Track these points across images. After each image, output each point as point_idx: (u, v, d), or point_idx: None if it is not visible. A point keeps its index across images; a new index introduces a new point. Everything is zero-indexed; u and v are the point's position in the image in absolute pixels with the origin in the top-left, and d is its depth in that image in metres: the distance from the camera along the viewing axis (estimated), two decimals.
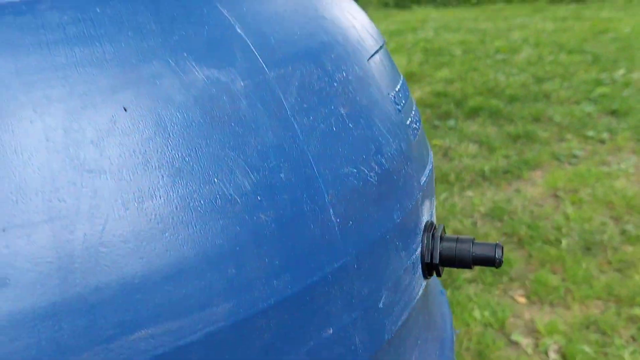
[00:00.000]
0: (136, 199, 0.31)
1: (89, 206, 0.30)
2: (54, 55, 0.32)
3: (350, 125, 0.40)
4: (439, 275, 0.46)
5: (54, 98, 0.31)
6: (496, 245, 0.45)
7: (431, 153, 0.51)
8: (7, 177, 0.29)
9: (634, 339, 1.45)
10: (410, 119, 0.48)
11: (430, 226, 0.47)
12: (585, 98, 3.11)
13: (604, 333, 1.46)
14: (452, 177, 2.36)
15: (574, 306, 1.58)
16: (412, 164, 0.45)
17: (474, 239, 0.45)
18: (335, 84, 0.40)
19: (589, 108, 2.96)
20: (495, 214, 2.02)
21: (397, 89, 0.48)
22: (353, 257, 0.37)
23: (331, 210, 0.37)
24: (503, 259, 0.45)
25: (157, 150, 0.32)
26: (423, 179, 0.47)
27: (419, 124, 0.50)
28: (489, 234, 1.89)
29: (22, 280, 0.29)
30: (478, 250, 0.45)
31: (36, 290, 0.29)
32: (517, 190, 2.33)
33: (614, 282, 1.64)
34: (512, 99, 3.17)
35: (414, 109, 0.50)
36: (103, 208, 0.30)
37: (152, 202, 0.31)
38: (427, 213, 0.47)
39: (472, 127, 2.79)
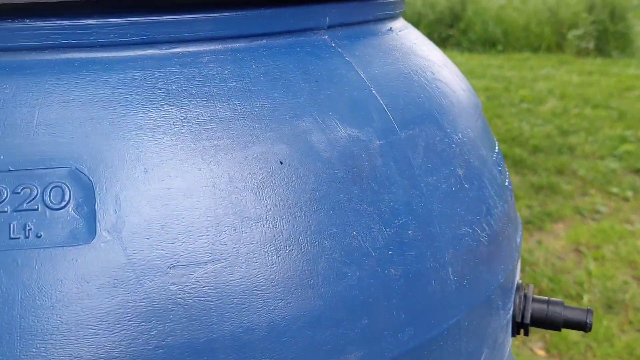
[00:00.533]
0: (287, 247, 0.33)
1: (247, 251, 0.32)
2: (219, 108, 0.34)
3: (466, 186, 0.42)
4: (526, 334, 0.48)
5: (220, 148, 0.33)
6: (588, 310, 0.46)
7: (519, 216, 0.53)
8: (178, 218, 0.31)
9: None
10: (507, 180, 0.50)
11: (521, 286, 0.48)
12: (609, 154, 3.12)
13: None
14: None
15: None
16: (512, 225, 0.47)
17: (563, 302, 0.47)
18: (453, 145, 0.42)
19: (613, 164, 2.97)
20: None
21: (496, 150, 0.50)
22: (465, 314, 0.39)
23: (450, 269, 0.39)
24: (593, 325, 0.46)
25: (307, 203, 0.34)
26: (518, 238, 0.49)
27: (512, 186, 0.52)
28: None
29: (185, 316, 0.31)
30: (569, 314, 0.46)
31: (196, 326, 0.31)
32: (539, 242, 2.34)
33: (635, 342, 1.64)
34: (536, 150, 3.19)
35: (507, 171, 0.52)
36: (259, 253, 0.32)
37: (300, 250, 0.33)
38: (519, 273, 0.49)
39: None
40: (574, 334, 1.69)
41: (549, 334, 1.69)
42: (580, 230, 2.30)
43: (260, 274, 0.32)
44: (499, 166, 0.49)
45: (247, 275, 0.32)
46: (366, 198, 0.36)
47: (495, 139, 0.52)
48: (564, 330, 1.53)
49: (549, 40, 6.18)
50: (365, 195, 0.36)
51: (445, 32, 6.33)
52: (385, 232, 0.36)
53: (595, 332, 1.69)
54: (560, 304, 0.47)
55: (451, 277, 0.39)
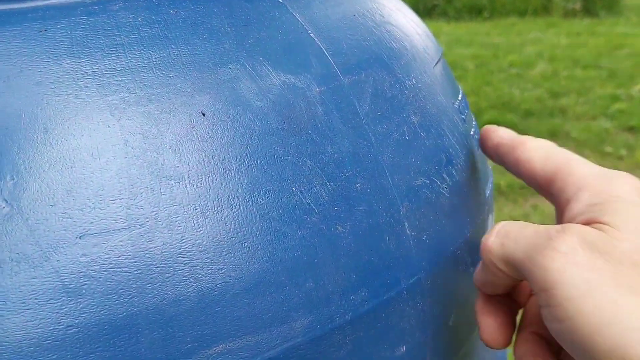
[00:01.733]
0: (215, 208, 0.30)
1: (168, 214, 0.29)
2: (130, 58, 0.31)
3: (422, 134, 0.38)
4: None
5: (131, 101, 0.30)
6: None
7: (490, 167, 0.50)
8: (85, 182, 0.28)
9: None
10: (473, 130, 0.46)
11: None
12: (602, 114, 3.09)
13: None
14: None
15: None
16: (478, 177, 0.44)
17: None
18: (406, 92, 0.39)
19: (606, 124, 2.95)
20: None
21: (459, 98, 0.46)
22: (427, 272, 0.36)
23: (406, 223, 0.35)
24: None
25: (236, 158, 0.31)
26: (487, 191, 0.46)
27: (479, 134, 0.49)
28: None
29: (99, 290, 0.27)
30: None
31: (113, 300, 0.27)
32: (534, 206, 2.31)
33: None
34: (528, 114, 3.16)
35: (474, 120, 0.49)
36: (182, 216, 0.29)
37: (231, 211, 0.30)
38: (490, 228, 0.46)
39: None
40: None
41: None
42: None
43: (185, 239, 0.29)
44: (462, 114, 0.45)
45: (170, 241, 0.28)
46: (306, 150, 0.33)
47: (460, 87, 0.49)
48: None
49: (535, 3, 6.11)
50: (304, 147, 0.33)
51: (431, 2, 6.25)
52: (329, 187, 0.33)
53: None
54: None
55: (408, 232, 0.35)
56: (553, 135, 2.84)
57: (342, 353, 0.32)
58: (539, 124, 2.98)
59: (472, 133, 0.46)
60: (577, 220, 0.32)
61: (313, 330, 0.31)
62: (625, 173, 0.34)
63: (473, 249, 0.41)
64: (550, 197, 0.36)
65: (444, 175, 0.39)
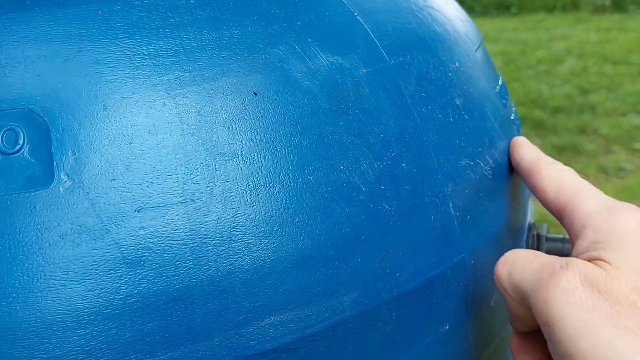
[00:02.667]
0: (266, 184, 0.30)
1: (222, 189, 0.29)
2: (184, 38, 0.31)
3: (465, 116, 0.39)
4: None
5: (186, 80, 0.30)
6: None
7: None
8: (143, 157, 0.29)
9: None
10: (513, 115, 0.47)
11: (533, 226, 0.45)
12: (632, 110, 3.04)
13: None
14: None
15: None
16: None
17: None
18: (449, 74, 0.39)
19: (636, 120, 2.90)
20: None
21: (499, 84, 0.46)
22: (471, 252, 0.36)
23: (450, 204, 0.36)
24: None
25: (286, 136, 0.31)
26: None
27: (519, 122, 0.49)
28: None
29: (157, 262, 0.28)
30: None
31: (170, 272, 0.28)
32: None
33: None
34: (556, 111, 3.12)
35: (513, 106, 0.49)
36: (235, 192, 0.30)
37: (282, 187, 0.31)
38: (530, 213, 0.46)
39: None
40: None
41: None
42: (605, 189, 2.23)
43: (238, 213, 0.30)
44: (503, 99, 0.45)
45: (224, 215, 0.29)
46: (353, 130, 0.33)
47: (499, 74, 0.49)
48: None
49: None
50: (352, 126, 0.33)
51: None
52: (376, 166, 0.33)
53: None
54: None
55: (452, 212, 0.36)
56: (582, 131, 2.81)
57: (388, 328, 0.33)
58: (568, 121, 2.95)
59: (512, 118, 0.46)
60: (582, 258, 0.33)
61: (361, 304, 0.31)
62: (631, 206, 0.34)
63: (514, 232, 0.41)
64: (565, 228, 0.37)
65: (487, 158, 0.39)
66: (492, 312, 0.39)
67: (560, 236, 0.44)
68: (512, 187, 0.42)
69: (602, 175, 2.40)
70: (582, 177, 0.38)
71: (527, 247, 0.44)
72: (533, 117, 2.99)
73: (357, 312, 0.31)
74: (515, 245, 0.41)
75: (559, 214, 0.37)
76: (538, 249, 0.44)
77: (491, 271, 0.38)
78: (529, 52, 4.37)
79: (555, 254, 0.41)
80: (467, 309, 0.37)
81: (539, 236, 0.44)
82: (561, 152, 2.62)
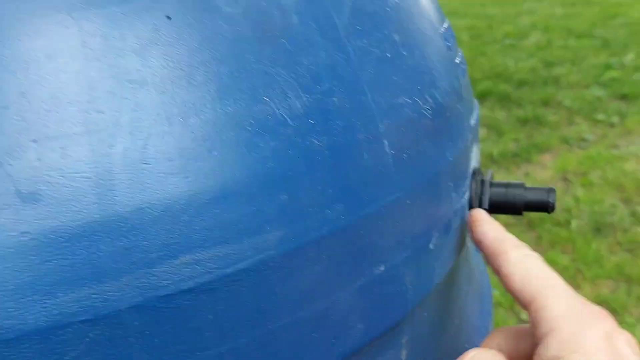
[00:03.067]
0: (181, 114, 0.28)
1: (130, 119, 0.27)
2: None
3: (404, 53, 0.37)
4: None
5: (91, 2, 0.28)
6: (549, 189, 0.42)
7: (476, 100, 0.49)
8: (40, 83, 0.26)
9: None
10: (459, 59, 0.45)
11: (478, 172, 0.44)
12: (595, 82, 3.08)
13: (614, 311, 1.45)
14: None
15: (585, 285, 1.57)
16: (463, 104, 0.42)
17: (524, 184, 0.43)
18: (387, 9, 0.37)
19: (598, 92, 2.93)
20: None
21: (445, 26, 0.45)
22: (407, 192, 0.35)
23: (385, 141, 0.34)
24: (556, 205, 0.42)
25: (204, 64, 0.29)
26: (472, 120, 0.44)
27: (466, 67, 0.47)
28: (499, 217, 1.87)
29: (56, 197, 0.26)
30: (530, 195, 0.42)
31: (71, 207, 0.26)
32: (527, 174, 2.30)
33: (624, 262, 1.63)
34: (521, 84, 3.14)
35: (460, 51, 0.47)
36: (145, 122, 0.27)
37: (198, 118, 0.28)
38: (475, 159, 0.45)
39: (481, 111, 2.75)
40: (563, 260, 1.68)
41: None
42: (567, 159, 2.28)
43: (148, 145, 0.27)
44: (448, 42, 0.44)
45: (132, 147, 0.27)
46: (279, 60, 0.31)
47: (445, 17, 0.47)
48: (554, 256, 1.50)
49: None
50: (278, 57, 0.31)
51: None
52: (305, 99, 0.31)
53: (584, 255, 1.68)
54: (521, 185, 0.42)
55: (387, 150, 0.34)
56: (546, 104, 2.83)
57: (318, 268, 0.31)
58: (532, 93, 2.96)
59: (457, 61, 0.44)
60: None
61: (287, 243, 0.30)
62: (601, 312, 0.33)
63: (456, 175, 0.40)
64: (530, 321, 0.36)
65: (427, 97, 0.37)
66: (431, 255, 0.37)
67: (505, 182, 0.43)
68: (454, 129, 0.40)
69: (564, 146, 2.43)
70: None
71: (471, 193, 0.43)
72: (498, 90, 3.01)
73: (283, 251, 0.30)
74: (457, 188, 0.40)
75: (524, 306, 0.36)
76: (482, 194, 0.43)
77: (430, 213, 0.37)
78: (495, 27, 4.38)
79: (499, 200, 0.40)
80: (404, 251, 0.35)
81: (483, 182, 0.43)
82: (525, 124, 2.64)
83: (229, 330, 0.29)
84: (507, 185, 0.42)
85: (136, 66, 0.28)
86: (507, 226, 1.80)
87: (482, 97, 2.91)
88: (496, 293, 1.53)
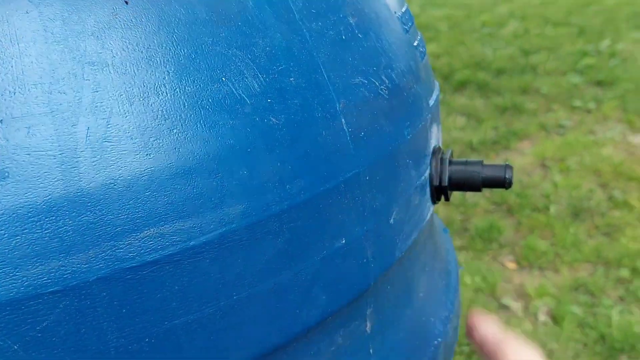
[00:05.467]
0: (141, 94, 0.29)
1: (92, 99, 0.28)
2: None
3: (359, 35, 0.38)
4: (447, 199, 0.45)
5: None
6: (506, 166, 0.44)
7: (437, 82, 0.50)
8: (4, 67, 0.27)
9: (621, 299, 1.46)
10: (417, 42, 0.46)
11: (438, 150, 0.46)
12: (571, 69, 3.11)
13: (592, 294, 1.48)
14: None
15: (563, 270, 1.59)
16: (421, 85, 0.44)
17: (482, 161, 0.44)
18: None
19: (575, 79, 2.97)
20: None
21: (403, 10, 0.46)
22: (365, 168, 0.36)
23: (343, 119, 0.35)
24: (513, 181, 0.44)
25: (162, 46, 0.30)
26: (431, 101, 0.46)
27: (425, 49, 0.49)
28: (478, 203, 1.89)
29: (23, 174, 0.27)
30: (488, 172, 0.44)
31: (38, 184, 0.27)
32: (506, 161, 2.32)
33: (602, 245, 1.66)
34: (499, 72, 3.17)
35: (419, 35, 0.49)
36: (106, 102, 0.29)
37: (158, 98, 0.30)
38: (435, 138, 0.46)
39: (460, 100, 2.79)
40: (542, 245, 1.70)
41: (517, 246, 1.70)
42: (545, 146, 2.30)
43: (110, 124, 0.29)
44: (405, 25, 0.45)
45: (95, 126, 0.28)
46: (235, 42, 0.32)
47: (405, 2, 0.49)
48: (533, 241, 1.53)
49: None
50: (234, 38, 0.32)
51: None
52: (262, 79, 0.33)
53: (563, 240, 1.71)
54: (479, 163, 0.44)
55: (345, 128, 0.35)
56: (524, 91, 2.86)
57: (280, 241, 0.32)
58: (511, 81, 2.99)
59: (415, 44, 0.46)
60: None
61: (249, 216, 0.31)
62: None
63: (414, 153, 0.41)
64: None
65: (383, 78, 0.39)
66: (392, 229, 0.39)
67: (463, 159, 0.45)
68: (411, 108, 0.42)
69: (543, 133, 2.45)
70: None
71: (431, 170, 0.44)
72: (477, 79, 3.03)
73: (245, 224, 0.31)
74: (417, 165, 0.42)
75: None
76: (442, 172, 0.44)
77: (389, 189, 0.39)
78: (474, 16, 4.41)
79: (459, 177, 0.42)
80: (364, 225, 0.37)
81: (442, 160, 0.45)
82: (504, 112, 2.67)
83: (195, 300, 0.31)
84: (465, 163, 0.44)
85: (96, 49, 0.29)
86: (488, 213, 1.83)
87: (461, 85, 2.93)
88: (477, 279, 1.56)
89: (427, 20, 4.33)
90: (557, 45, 3.53)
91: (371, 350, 0.41)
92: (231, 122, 0.31)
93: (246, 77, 0.32)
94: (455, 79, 3.03)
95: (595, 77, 2.94)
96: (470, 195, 1.95)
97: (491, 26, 4.09)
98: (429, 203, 0.45)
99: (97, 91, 0.28)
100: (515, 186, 2.01)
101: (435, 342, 0.46)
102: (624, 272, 1.53)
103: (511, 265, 1.66)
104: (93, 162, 0.28)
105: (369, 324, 0.40)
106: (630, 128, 2.40)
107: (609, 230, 1.76)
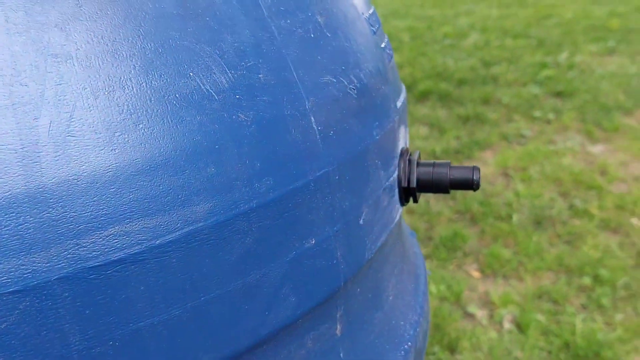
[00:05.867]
0: (106, 88, 0.29)
1: (55, 92, 0.27)
2: None
3: (328, 34, 0.38)
4: (415, 200, 0.45)
5: None
6: (474, 167, 0.44)
7: (403, 85, 0.50)
8: None
9: (584, 307, 1.48)
10: (384, 44, 0.47)
11: (406, 152, 0.46)
12: (531, 80, 3.18)
13: (555, 302, 1.50)
14: None
15: (527, 278, 1.61)
16: (389, 86, 0.44)
17: (450, 163, 0.45)
18: None
19: (535, 90, 3.03)
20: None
21: (370, 12, 0.46)
22: (335, 167, 0.36)
23: (312, 118, 0.35)
24: (480, 182, 0.44)
25: (128, 39, 0.30)
26: (399, 103, 0.46)
27: (392, 52, 0.49)
28: (442, 212, 1.91)
29: None
30: (455, 174, 0.44)
31: None
32: None
33: (564, 254, 1.69)
34: (461, 83, 3.22)
35: (386, 37, 0.49)
36: (70, 95, 0.28)
37: (124, 92, 0.29)
38: (403, 140, 0.46)
39: (423, 110, 2.82)
40: (505, 253, 1.73)
41: (481, 255, 1.72)
42: (507, 155, 2.34)
43: (74, 118, 0.28)
44: (373, 27, 0.45)
45: (58, 119, 0.27)
46: (204, 37, 0.32)
47: (371, 5, 0.49)
48: (496, 250, 1.54)
49: None
50: (202, 33, 0.32)
51: None
52: (230, 75, 0.32)
53: (526, 248, 1.73)
54: (446, 165, 0.44)
55: (314, 126, 0.35)
56: (485, 102, 2.91)
57: (249, 240, 0.32)
58: (472, 92, 3.04)
59: (382, 46, 0.46)
60: None
61: (216, 215, 0.30)
62: None
63: (383, 153, 0.41)
64: None
65: (352, 77, 0.39)
66: (361, 230, 0.39)
67: (431, 161, 0.45)
68: (379, 109, 0.42)
69: (504, 142, 2.50)
70: None
71: (400, 172, 0.44)
72: (439, 89, 3.07)
73: (212, 223, 0.30)
74: (386, 166, 0.42)
75: None
76: (410, 173, 0.44)
77: (358, 189, 0.38)
78: (435, 28, 4.48)
79: (427, 178, 0.42)
80: (334, 225, 0.36)
81: (410, 161, 0.45)
82: (466, 122, 2.71)
83: (161, 301, 0.30)
84: (433, 165, 0.44)
85: (60, 41, 0.28)
86: (452, 222, 1.85)
87: (424, 96, 2.97)
88: (442, 288, 1.57)
89: (390, 31, 4.38)
90: (517, 57, 3.61)
91: (341, 354, 0.40)
92: (198, 118, 0.31)
93: (214, 73, 0.32)
94: (418, 89, 3.06)
95: (554, 88, 3.02)
96: (434, 204, 1.97)
97: (452, 38, 4.16)
98: (398, 205, 0.45)
99: (60, 84, 0.28)
100: (478, 195, 2.04)
101: (406, 346, 0.46)
102: (586, 280, 1.56)
103: (475, 273, 1.68)
104: (55, 157, 0.27)
105: (339, 327, 0.40)
106: (588, 138, 2.46)
107: (571, 238, 1.79)
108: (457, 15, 4.88)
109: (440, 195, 2.04)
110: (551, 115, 2.73)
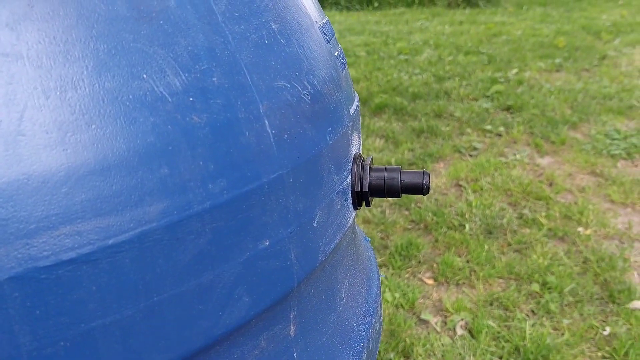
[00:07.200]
0: (58, 88, 0.29)
1: (5, 92, 0.27)
2: None
3: (282, 40, 0.39)
4: (367, 205, 0.46)
5: None
6: (423, 172, 0.45)
7: (356, 93, 0.52)
8: None
9: (533, 312, 1.52)
10: (337, 53, 0.48)
11: (359, 157, 0.47)
12: (482, 95, 3.26)
13: (506, 308, 1.53)
14: None
15: (478, 285, 1.65)
16: (342, 93, 0.45)
17: (401, 168, 0.46)
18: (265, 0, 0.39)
19: (486, 104, 3.11)
20: (403, 202, 2.08)
21: (324, 22, 0.47)
22: (289, 170, 0.36)
23: (266, 121, 0.36)
24: (430, 187, 0.45)
25: (80, 40, 0.30)
26: (352, 110, 0.47)
27: (345, 61, 0.50)
28: (397, 221, 1.94)
29: None
30: (406, 178, 0.45)
31: None
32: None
33: (514, 261, 1.73)
34: (415, 97, 3.27)
35: (339, 47, 0.50)
36: (21, 94, 0.28)
37: (76, 92, 0.29)
38: (356, 146, 0.47)
39: (378, 123, 2.86)
40: (458, 261, 1.76)
41: (435, 263, 1.75)
42: (459, 167, 2.39)
43: (25, 118, 0.28)
44: (327, 35, 0.46)
45: (7, 119, 0.27)
46: (157, 40, 0.32)
47: (325, 15, 0.50)
48: (449, 258, 1.57)
49: None
50: (156, 36, 0.32)
51: None
52: (184, 77, 0.33)
53: (477, 256, 1.77)
54: (397, 169, 0.45)
55: (268, 130, 0.36)
56: (438, 115, 2.97)
57: (202, 241, 0.32)
58: (426, 106, 3.10)
59: (336, 54, 0.47)
60: None
61: (169, 215, 0.31)
62: None
63: (336, 158, 0.42)
64: None
65: (305, 83, 0.40)
66: (315, 232, 0.39)
67: (383, 166, 0.46)
68: (333, 115, 0.43)
69: (456, 155, 2.55)
70: None
71: (353, 176, 0.45)
72: (394, 103, 3.12)
73: (166, 223, 0.31)
74: (339, 171, 0.42)
75: None
76: (363, 178, 0.45)
77: (312, 192, 0.39)
78: (390, 43, 4.56)
79: (379, 183, 0.43)
80: (288, 227, 0.37)
81: (363, 166, 0.46)
82: (420, 135, 2.75)
83: (113, 302, 0.30)
84: (385, 170, 0.45)
85: (10, 40, 0.28)
86: (406, 231, 1.88)
87: (379, 109, 3.01)
88: (397, 295, 1.58)
89: (346, 47, 4.44)
90: (468, 72, 3.70)
91: (295, 355, 0.41)
92: (152, 120, 0.31)
93: (167, 75, 0.32)
94: (374, 103, 3.10)
95: (504, 103, 3.10)
96: (389, 214, 1.99)
97: (407, 53, 4.24)
98: (351, 208, 0.46)
99: (10, 83, 0.27)
100: (431, 205, 2.07)
101: (358, 346, 0.47)
102: (535, 287, 1.60)
103: (429, 281, 1.70)
104: (5, 156, 0.27)
105: (292, 328, 0.40)
106: (537, 151, 2.54)
107: (520, 247, 1.84)
108: (412, 31, 4.97)
109: (396, 205, 2.06)
110: (501, 129, 2.80)
